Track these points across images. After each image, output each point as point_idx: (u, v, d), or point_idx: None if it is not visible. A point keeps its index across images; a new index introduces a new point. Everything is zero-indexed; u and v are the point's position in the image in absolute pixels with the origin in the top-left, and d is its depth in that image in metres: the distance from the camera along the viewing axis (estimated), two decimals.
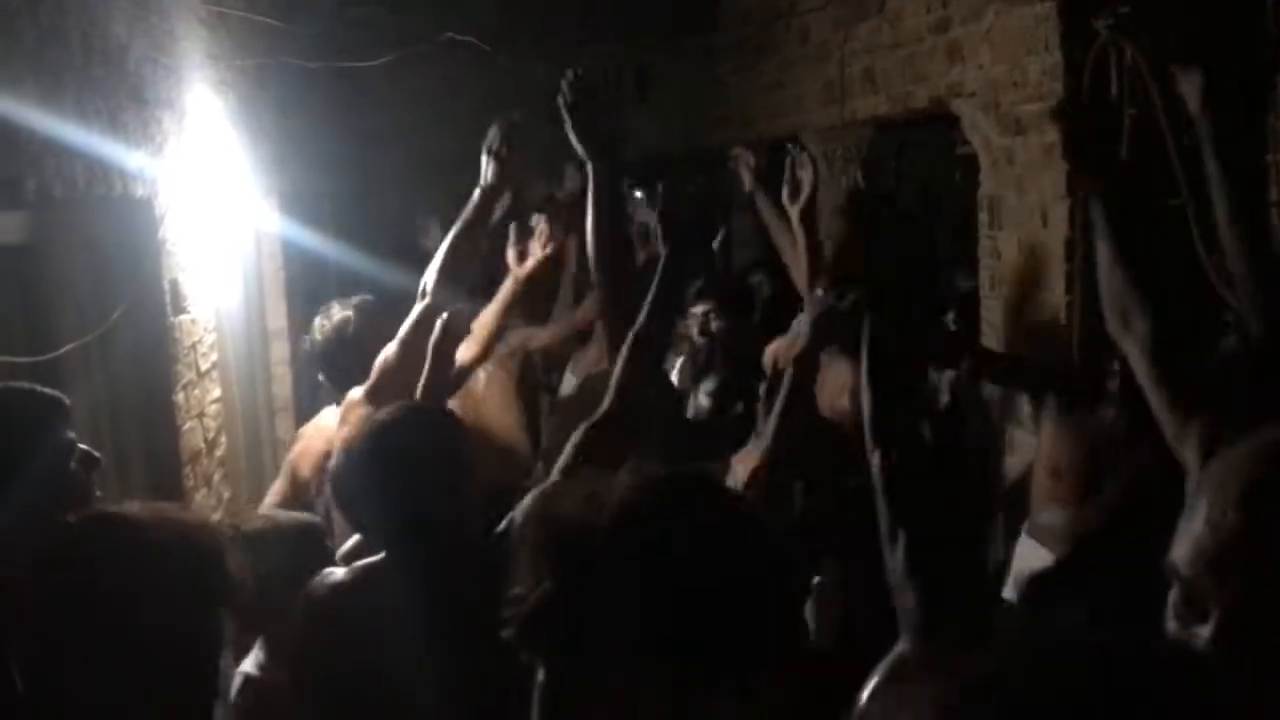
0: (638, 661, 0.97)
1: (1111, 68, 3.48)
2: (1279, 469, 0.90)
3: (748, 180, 4.44)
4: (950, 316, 4.97)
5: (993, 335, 4.23)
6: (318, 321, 3.43)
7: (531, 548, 1.04)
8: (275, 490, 3.32)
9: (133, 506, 1.46)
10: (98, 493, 2.03)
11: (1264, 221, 2.62)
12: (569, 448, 2.24)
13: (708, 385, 3.38)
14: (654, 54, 7.78)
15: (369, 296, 3.48)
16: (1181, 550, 0.90)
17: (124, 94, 2.93)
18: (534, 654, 1.03)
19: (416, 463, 2.07)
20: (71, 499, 1.93)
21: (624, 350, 2.38)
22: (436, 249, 4.16)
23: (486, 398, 3.93)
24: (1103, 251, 2.37)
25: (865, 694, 1.70)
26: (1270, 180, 3.44)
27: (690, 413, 3.41)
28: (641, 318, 2.35)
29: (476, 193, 3.20)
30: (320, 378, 3.54)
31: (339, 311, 3.38)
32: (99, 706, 1.30)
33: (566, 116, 2.80)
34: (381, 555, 2.17)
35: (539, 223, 3.57)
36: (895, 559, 1.71)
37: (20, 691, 1.33)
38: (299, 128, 5.14)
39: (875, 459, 1.83)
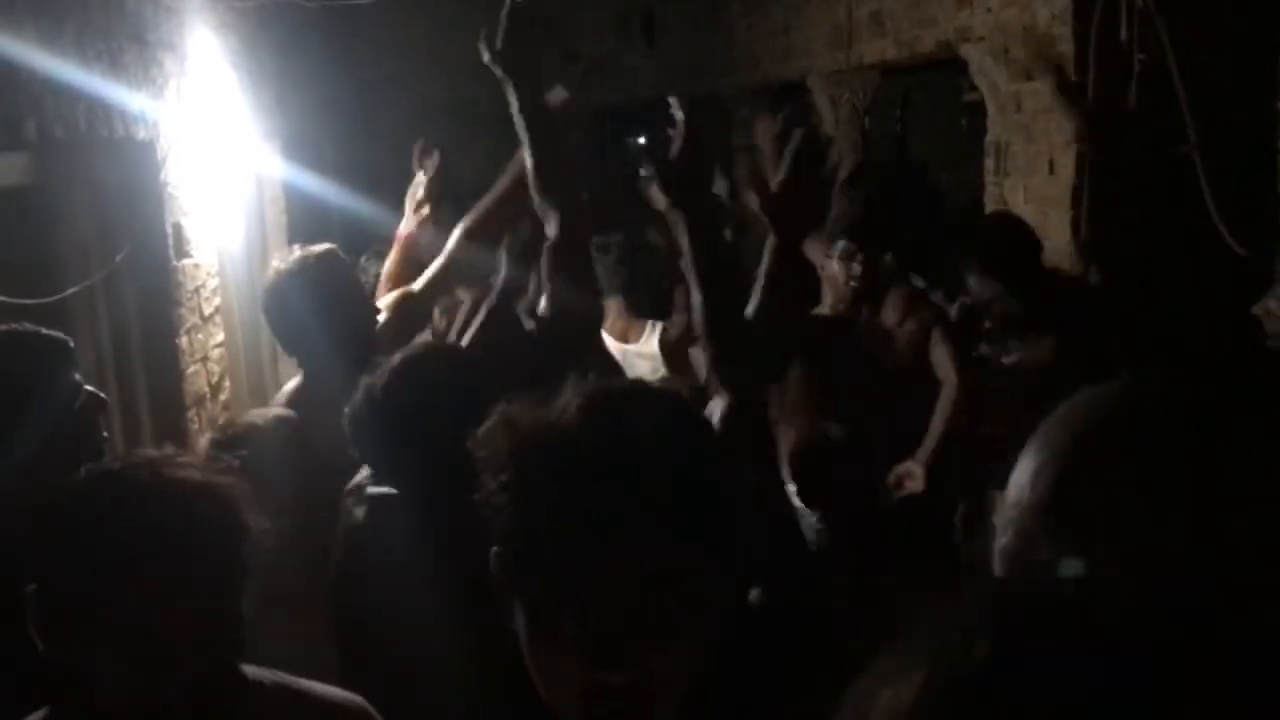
0: (604, 555, 1.00)
1: (1121, 12, 3.45)
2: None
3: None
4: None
5: None
6: (273, 262, 3.05)
7: (492, 455, 1.07)
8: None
9: (141, 460, 1.44)
10: (104, 433, 2.04)
11: None
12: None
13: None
14: None
15: (329, 247, 3.00)
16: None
17: (125, 35, 2.90)
18: (503, 558, 1.07)
19: (434, 404, 2.06)
20: (78, 440, 1.94)
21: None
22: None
23: None
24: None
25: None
26: (1278, 127, 3.41)
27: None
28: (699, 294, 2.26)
29: (511, 95, 2.70)
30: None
31: (286, 261, 2.94)
32: (118, 664, 1.30)
33: (484, 42, 2.64)
34: (393, 491, 2.17)
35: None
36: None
37: (39, 650, 1.33)
38: (300, 70, 5.10)
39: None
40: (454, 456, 1.96)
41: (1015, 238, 3.39)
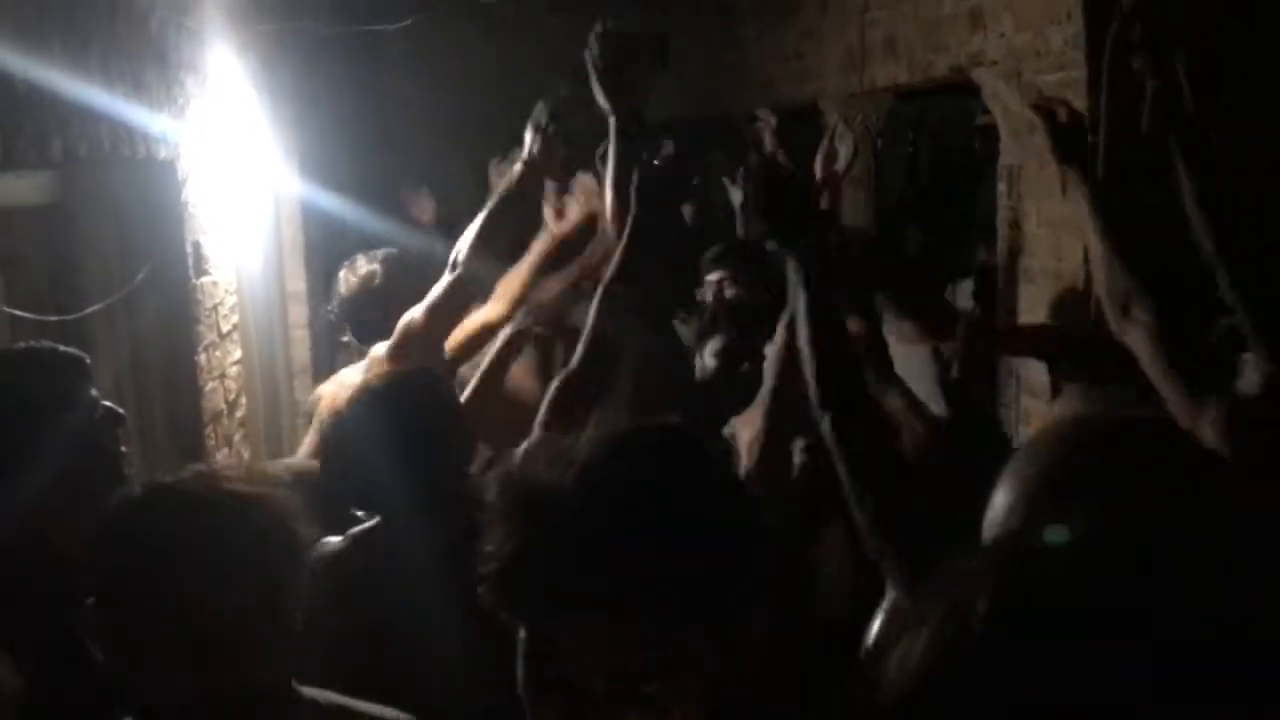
0: (607, 613, 0.98)
1: (1135, 38, 3.47)
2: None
3: (769, 142, 4.42)
4: (970, 289, 4.95)
5: (1009, 305, 4.23)
6: (342, 274, 3.42)
7: (498, 508, 1.05)
8: (307, 443, 3.34)
9: (194, 473, 1.47)
10: (122, 448, 2.06)
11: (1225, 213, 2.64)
12: (544, 404, 2.27)
13: (713, 345, 3.36)
14: (675, 18, 7.74)
15: (394, 250, 3.47)
16: None
17: (148, 56, 2.95)
18: (505, 610, 1.05)
19: (406, 431, 2.08)
20: (96, 455, 1.96)
21: (594, 306, 2.40)
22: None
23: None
24: (1097, 243, 2.36)
25: (868, 644, 1.73)
26: None
27: (696, 373, 3.40)
28: (610, 272, 2.37)
29: (518, 166, 3.14)
30: (344, 336, 3.55)
31: (365, 264, 3.38)
32: (177, 674, 1.32)
33: (593, 72, 2.77)
34: (375, 521, 2.19)
35: (580, 180, 3.44)
36: (866, 521, 1.75)
37: (100, 664, 1.35)
38: (319, 91, 5.15)
39: (824, 424, 1.85)
40: (431, 483, 1.97)
41: None
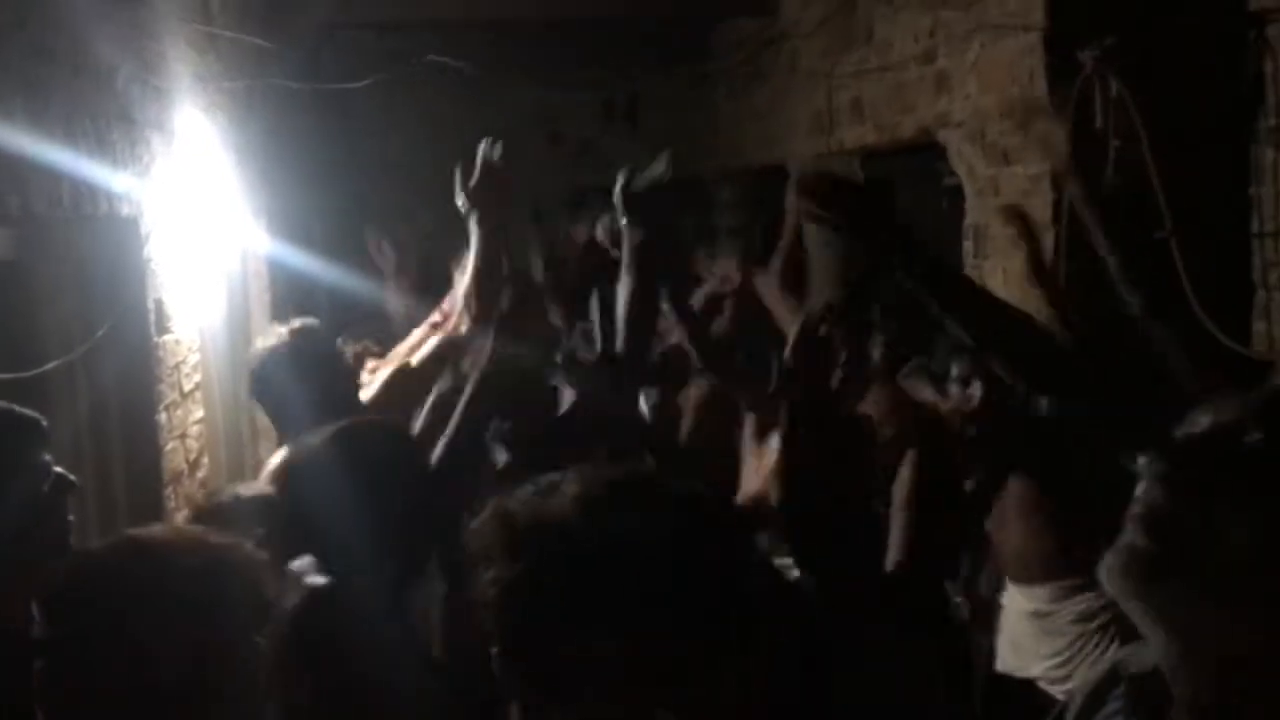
0: (605, 654, 0.97)
1: (1096, 99, 3.52)
2: None
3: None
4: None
5: None
6: (257, 343, 3.21)
7: (497, 539, 1.03)
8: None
9: (157, 533, 1.43)
10: (70, 516, 2.01)
11: None
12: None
13: (650, 398, 3.39)
14: (645, 81, 7.82)
15: (311, 321, 3.19)
16: None
17: (113, 114, 2.93)
18: (509, 636, 1.03)
19: (371, 481, 2.02)
20: (44, 522, 1.91)
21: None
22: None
23: None
24: None
25: None
26: (1254, 212, 3.46)
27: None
28: (621, 341, 2.33)
29: (473, 226, 3.08)
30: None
31: (274, 335, 3.11)
32: None
33: (622, 184, 2.81)
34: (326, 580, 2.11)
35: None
36: None
37: None
38: (288, 149, 5.15)
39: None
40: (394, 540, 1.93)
41: None
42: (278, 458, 2.93)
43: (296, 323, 3.12)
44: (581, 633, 0.98)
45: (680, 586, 1.00)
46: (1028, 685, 3.22)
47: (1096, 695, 1.09)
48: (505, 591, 1.02)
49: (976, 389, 3.10)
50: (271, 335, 3.14)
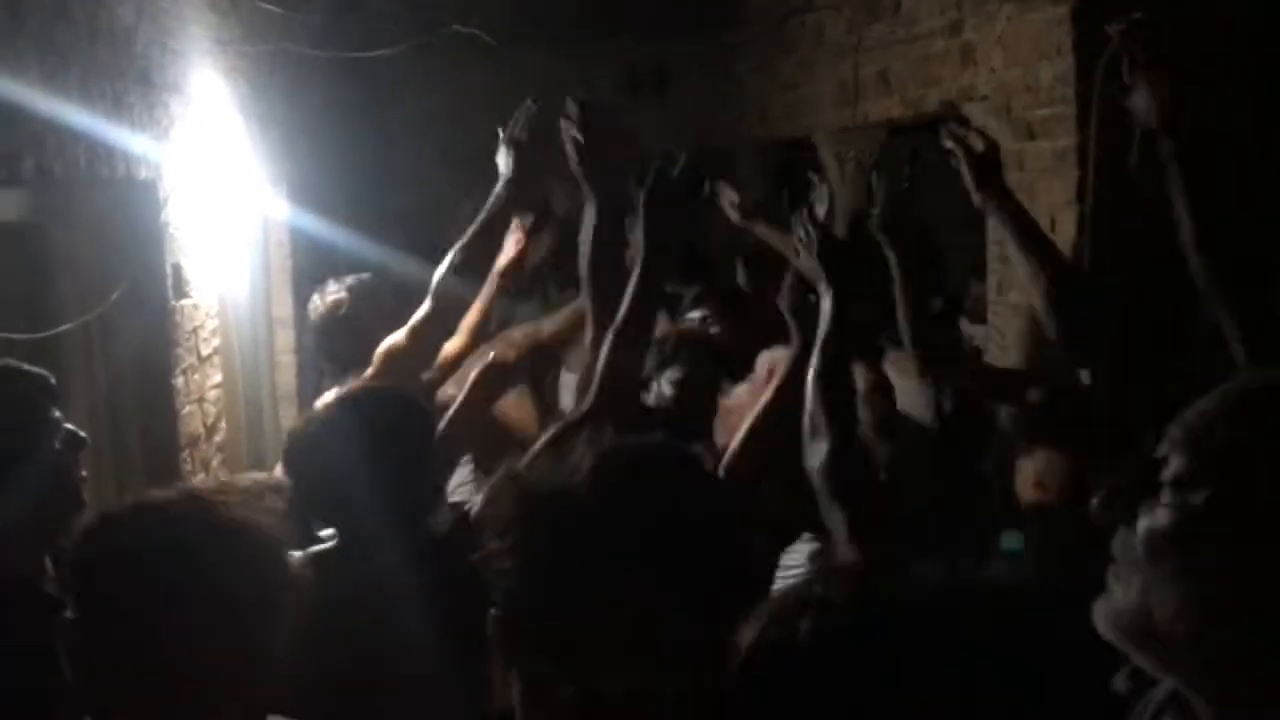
0: (611, 626, 0.97)
1: (1124, 73, 3.46)
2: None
3: (734, 216, 4.33)
4: (963, 322, 4.93)
5: (1000, 340, 4.20)
6: (314, 300, 3.36)
7: (510, 515, 1.03)
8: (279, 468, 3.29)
9: (191, 495, 1.44)
10: (83, 473, 2.02)
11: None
12: (540, 443, 2.20)
13: (671, 374, 3.34)
14: (671, 50, 7.77)
15: (367, 276, 3.40)
16: None
17: (130, 76, 2.93)
18: (519, 611, 1.03)
19: (382, 447, 2.04)
20: (56, 479, 1.92)
21: (605, 349, 2.33)
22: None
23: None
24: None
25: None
26: None
27: (653, 400, 3.37)
28: (621, 315, 2.30)
29: (498, 186, 3.06)
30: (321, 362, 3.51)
31: (333, 291, 3.31)
32: (149, 706, 1.28)
33: (571, 146, 2.62)
34: (333, 543, 2.13)
35: (516, 225, 3.39)
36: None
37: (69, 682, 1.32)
38: (309, 117, 5.15)
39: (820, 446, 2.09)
40: (401, 502, 1.93)
41: None
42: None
43: (351, 278, 3.30)
44: (589, 604, 0.98)
45: (692, 561, 0.99)
46: None
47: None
48: (515, 560, 1.01)
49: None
50: (329, 289, 3.29)
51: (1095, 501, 1.01)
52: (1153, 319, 3.35)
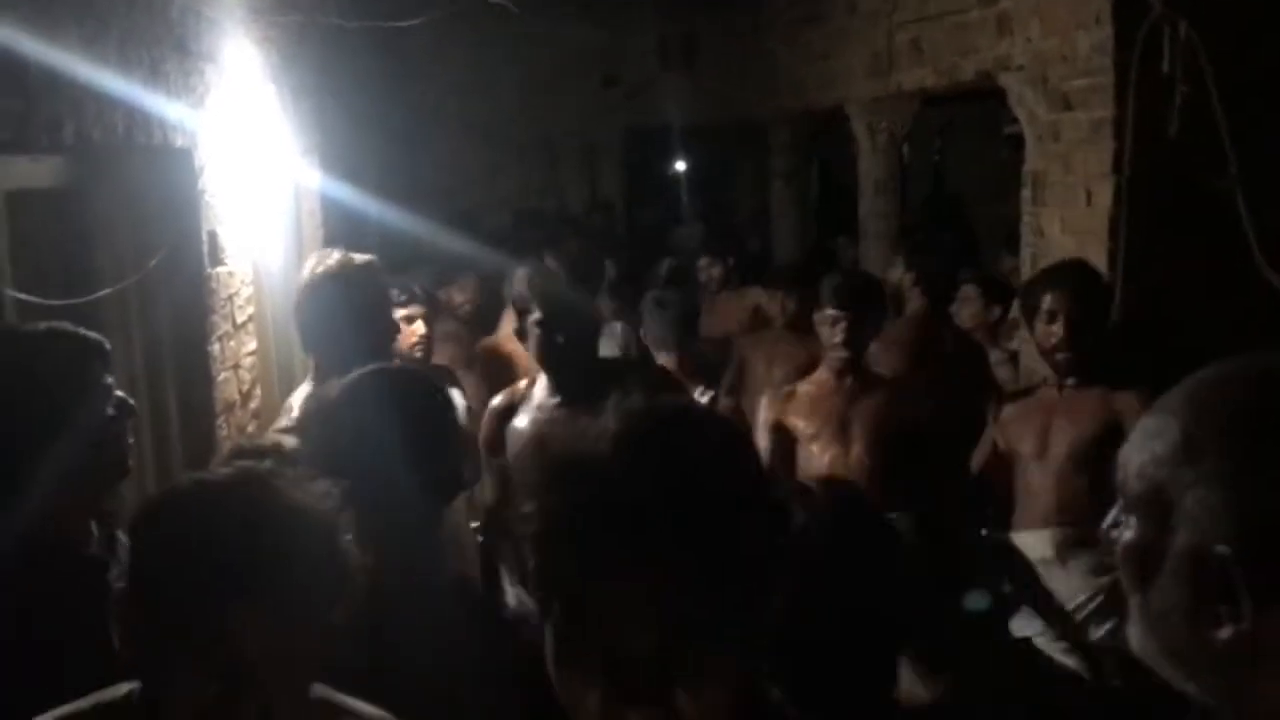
0: (632, 592, 0.98)
1: (1164, 43, 3.42)
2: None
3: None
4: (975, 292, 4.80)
5: None
6: (307, 265, 3.07)
7: (534, 478, 1.04)
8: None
9: (251, 472, 1.42)
10: (130, 440, 2.03)
11: None
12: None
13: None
14: (701, 20, 7.73)
15: (372, 259, 3.04)
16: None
17: (167, 44, 2.94)
18: (544, 574, 1.04)
19: (408, 425, 2.00)
20: (106, 445, 1.93)
21: None
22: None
23: None
24: None
25: None
26: None
27: None
28: None
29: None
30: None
31: (328, 261, 2.97)
32: (197, 678, 1.29)
33: None
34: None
35: None
36: None
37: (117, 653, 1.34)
38: (341, 88, 5.15)
39: None
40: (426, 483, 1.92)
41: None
42: (304, 389, 2.96)
43: (359, 255, 3.01)
44: (617, 569, 0.98)
45: (720, 527, 0.99)
46: (1024, 643, 3.08)
47: None
48: (542, 525, 1.02)
49: (1059, 324, 3.06)
50: (330, 257, 2.99)
51: (1107, 522, 1.04)
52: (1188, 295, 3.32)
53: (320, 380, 2.76)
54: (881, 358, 3.82)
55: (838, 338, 3.34)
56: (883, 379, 3.50)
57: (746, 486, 1.05)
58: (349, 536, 1.38)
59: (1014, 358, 4.41)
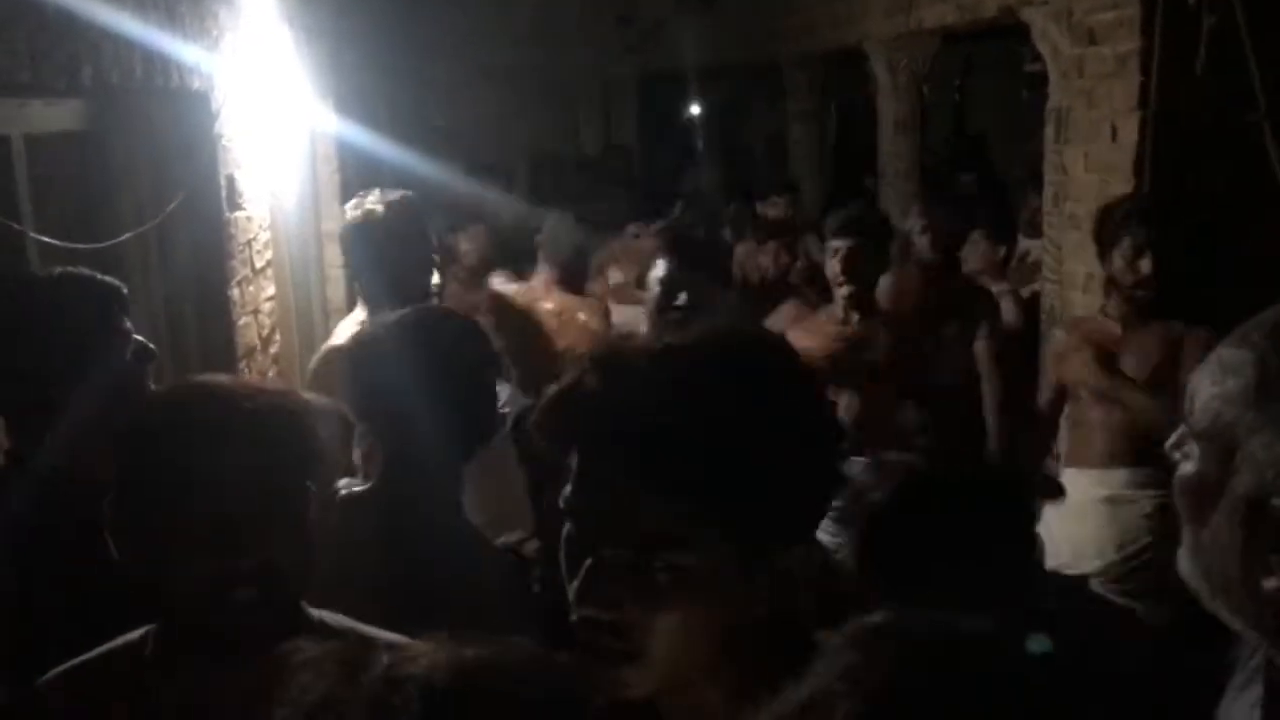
0: (640, 463, 0.98)
1: None
2: None
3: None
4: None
5: (1056, 253, 4.14)
6: (348, 207, 3.16)
7: (581, 363, 1.06)
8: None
9: (220, 378, 1.48)
10: (150, 385, 2.03)
11: None
12: None
13: None
14: None
15: (410, 194, 3.16)
16: None
17: None
18: (555, 444, 1.05)
19: (445, 369, 1.99)
20: (126, 390, 1.93)
21: None
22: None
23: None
24: None
25: None
26: None
27: None
28: None
29: None
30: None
31: (371, 201, 3.08)
32: (188, 558, 1.32)
33: None
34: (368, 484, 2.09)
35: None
36: None
37: (115, 561, 1.35)
38: (357, 31, 5.11)
39: None
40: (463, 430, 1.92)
41: None
42: (354, 319, 3.00)
43: (395, 193, 3.12)
44: (651, 486, 0.98)
45: (759, 443, 0.98)
46: (1080, 582, 3.06)
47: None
48: (557, 391, 1.06)
49: (1147, 260, 3.02)
50: (370, 199, 3.10)
51: (1170, 443, 1.02)
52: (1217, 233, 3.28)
53: (373, 309, 2.88)
54: (888, 306, 3.82)
55: (838, 266, 3.34)
56: (889, 317, 3.51)
57: (786, 409, 1.04)
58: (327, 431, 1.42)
59: (1032, 299, 4.40)
